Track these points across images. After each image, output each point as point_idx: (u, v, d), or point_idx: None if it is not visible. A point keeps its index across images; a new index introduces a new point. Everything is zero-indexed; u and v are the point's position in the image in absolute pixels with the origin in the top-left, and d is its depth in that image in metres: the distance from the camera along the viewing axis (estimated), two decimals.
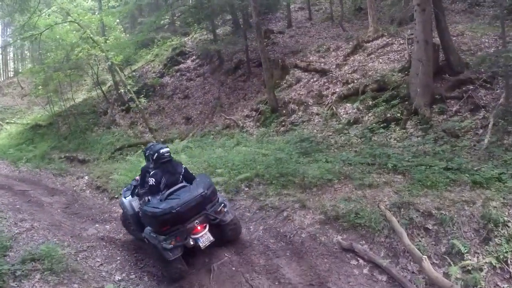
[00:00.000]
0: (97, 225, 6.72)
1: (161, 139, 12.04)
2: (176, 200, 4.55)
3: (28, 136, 16.05)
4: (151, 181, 4.90)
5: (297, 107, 10.53)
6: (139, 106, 11.94)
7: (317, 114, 9.85)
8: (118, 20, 17.11)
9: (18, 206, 7.22)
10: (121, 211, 6.09)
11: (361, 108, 9.07)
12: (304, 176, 6.02)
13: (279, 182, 6.18)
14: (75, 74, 15.93)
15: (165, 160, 5.03)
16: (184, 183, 5.09)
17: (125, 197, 5.66)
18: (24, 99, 22.34)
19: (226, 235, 4.96)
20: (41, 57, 16.57)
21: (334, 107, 9.59)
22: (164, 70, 18.99)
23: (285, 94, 11.52)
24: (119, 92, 15.86)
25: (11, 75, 31.94)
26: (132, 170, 8.83)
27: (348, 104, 9.54)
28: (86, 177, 10.26)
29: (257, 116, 11.39)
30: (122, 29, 17.88)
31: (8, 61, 35.51)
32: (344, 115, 9.25)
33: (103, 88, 17.25)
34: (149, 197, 4.90)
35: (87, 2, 15.50)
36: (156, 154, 5.02)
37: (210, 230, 4.73)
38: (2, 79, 31.07)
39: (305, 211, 5.22)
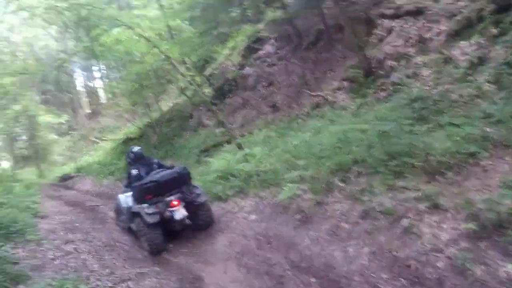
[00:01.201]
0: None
1: (245, 133, 10.82)
2: (157, 175, 5.97)
3: (121, 150, 16.65)
4: (134, 172, 6.41)
5: (395, 63, 8.18)
6: (204, 97, 10.80)
7: (425, 64, 7.33)
8: (186, 22, 16.54)
9: (77, 225, 6.72)
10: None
11: (482, 42, 6.34)
12: (428, 154, 3.91)
13: (389, 169, 4.19)
14: (156, 84, 15.87)
15: (139, 156, 6.66)
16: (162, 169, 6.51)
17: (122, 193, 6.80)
18: (121, 118, 24.09)
19: (199, 219, 5.98)
20: (120, 73, 17.07)
21: (445, 50, 7.00)
22: (243, 61, 17.91)
23: (377, 51, 9.13)
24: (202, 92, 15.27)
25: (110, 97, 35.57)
26: (210, 172, 7.75)
27: (463, 42, 6.83)
28: None
29: (349, 86, 9.37)
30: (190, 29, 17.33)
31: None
32: (461, 58, 6.62)
33: (188, 93, 16.99)
34: (132, 185, 6.25)
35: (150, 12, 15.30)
36: (132, 154, 6.66)
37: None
38: (103, 103, 34.59)
39: (438, 215, 3.14)
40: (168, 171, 6.11)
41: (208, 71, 18.36)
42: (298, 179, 5.10)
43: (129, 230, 6.43)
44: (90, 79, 40.84)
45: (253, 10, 18.48)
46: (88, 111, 37.07)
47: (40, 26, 24.26)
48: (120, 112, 20.19)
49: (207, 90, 14.18)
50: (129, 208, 6.31)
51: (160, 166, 6.61)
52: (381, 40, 9.64)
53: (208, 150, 11.49)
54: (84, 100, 39.27)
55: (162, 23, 14.44)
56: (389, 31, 9.58)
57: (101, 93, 40.65)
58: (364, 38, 10.16)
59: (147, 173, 6.31)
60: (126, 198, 6.56)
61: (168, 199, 5.67)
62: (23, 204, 8.72)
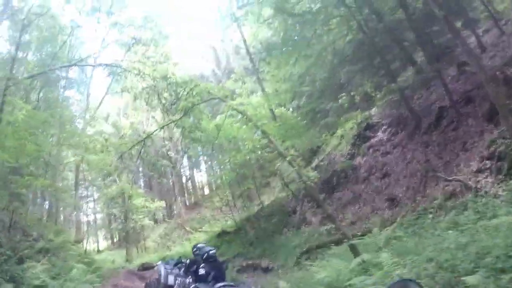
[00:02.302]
0: None
1: (357, 232, 8.62)
2: None
3: (215, 243, 15.36)
4: (202, 271, 5.72)
5: None
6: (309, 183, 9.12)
7: None
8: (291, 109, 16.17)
9: None
10: None
11: None
12: None
13: None
14: (258, 176, 15.09)
15: (212, 260, 5.88)
16: (231, 282, 5.52)
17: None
18: (221, 210, 23.50)
19: None
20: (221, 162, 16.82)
21: None
22: (353, 150, 16.22)
23: None
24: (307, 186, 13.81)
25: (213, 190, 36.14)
26: (313, 285, 5.72)
27: None
28: None
29: (496, 165, 6.95)
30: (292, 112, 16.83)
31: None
32: None
33: (292, 187, 15.70)
34: (197, 285, 5.39)
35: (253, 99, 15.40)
36: (206, 254, 5.92)
37: None
38: (204, 195, 35.19)
39: None
40: None
41: (314, 163, 17.08)
42: None
43: None
44: (195, 169, 43.50)
45: (362, 95, 17.40)
46: (189, 201, 38.35)
47: (145, 110, 26.73)
48: (219, 205, 19.81)
49: (312, 181, 12.78)
50: (165, 284, 6.44)
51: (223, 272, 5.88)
52: None
53: (310, 252, 9.43)
54: (187, 190, 41.11)
55: (266, 110, 14.17)
56: None
57: (204, 186, 42.48)
58: (507, 102, 7.83)
59: (215, 278, 5.60)
60: (166, 274, 6.64)
61: None
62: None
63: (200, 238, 19.14)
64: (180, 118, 9.90)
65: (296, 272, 8.65)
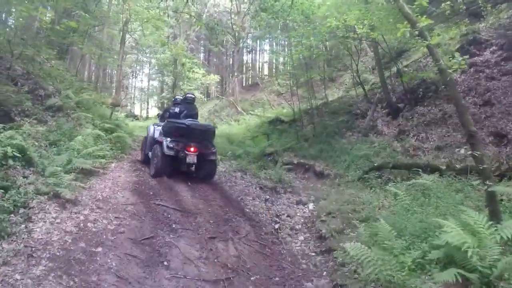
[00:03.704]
0: None
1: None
2: (190, 122, 7.34)
3: (265, 130, 13.88)
4: (175, 109, 8.03)
5: None
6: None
7: None
8: None
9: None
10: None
11: None
12: None
13: None
14: (331, 69, 12.63)
15: (189, 101, 8.13)
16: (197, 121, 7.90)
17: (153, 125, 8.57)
18: (280, 97, 21.53)
19: (203, 169, 7.44)
20: (291, 45, 14.13)
21: None
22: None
23: None
24: (387, 88, 11.37)
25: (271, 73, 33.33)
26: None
27: None
28: (311, 205, 6.21)
29: None
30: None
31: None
32: None
33: (366, 87, 13.23)
34: (168, 120, 7.79)
35: None
36: (184, 96, 8.47)
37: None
38: (264, 78, 32.91)
39: None
40: (200, 123, 7.73)
41: (395, 67, 14.23)
42: None
43: (144, 161, 8.27)
44: (258, 50, 40.66)
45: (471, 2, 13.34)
46: (246, 82, 36.60)
47: None
48: (278, 89, 17.76)
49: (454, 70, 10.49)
50: (153, 137, 7.97)
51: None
52: None
53: (382, 170, 7.59)
54: (246, 69, 39.06)
55: None
56: None
57: (265, 69, 40.03)
58: None
59: (186, 116, 7.64)
60: (154, 130, 8.18)
61: (188, 143, 7.06)
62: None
63: (251, 120, 17.73)
64: None
65: (357, 188, 6.97)
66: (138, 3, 12.83)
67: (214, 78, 25.02)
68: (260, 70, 40.88)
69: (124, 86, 34.54)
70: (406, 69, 14.11)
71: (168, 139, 7.04)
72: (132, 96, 40.86)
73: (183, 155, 6.93)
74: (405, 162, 7.57)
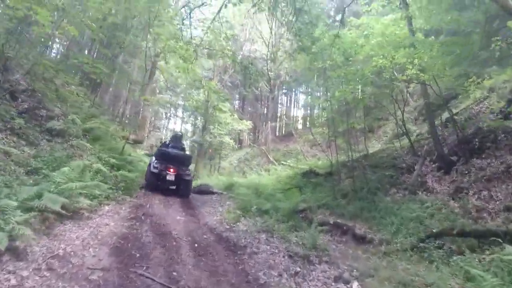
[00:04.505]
0: None
1: None
2: (171, 150, 11.02)
3: (298, 183, 12.56)
4: (166, 141, 12.48)
5: None
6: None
7: None
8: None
9: None
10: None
11: None
12: None
13: None
14: (371, 118, 11.58)
15: (177, 138, 12.62)
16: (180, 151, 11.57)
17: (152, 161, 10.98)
18: (313, 148, 20.37)
19: (180, 188, 10.78)
20: (327, 92, 13.21)
21: None
22: (508, 108, 11.62)
23: None
24: (437, 138, 10.02)
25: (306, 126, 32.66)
26: None
27: None
28: (356, 285, 4.88)
29: None
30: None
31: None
32: None
33: (411, 138, 11.94)
34: (159, 148, 11.67)
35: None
36: (174, 134, 14.00)
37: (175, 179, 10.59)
38: (298, 129, 32.08)
39: None
40: (179, 152, 11.39)
41: (444, 115, 12.90)
42: None
43: (145, 186, 10.77)
44: (292, 101, 40.40)
45: None
46: (279, 132, 35.97)
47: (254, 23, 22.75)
48: (313, 141, 16.68)
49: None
50: (149, 168, 10.91)
51: (182, 149, 12.08)
52: None
53: (442, 237, 6.14)
54: (280, 119, 38.67)
55: (401, 30, 10.32)
56: None
57: (299, 119, 39.52)
58: None
59: (172, 147, 11.67)
60: (152, 164, 10.65)
61: (168, 165, 10.47)
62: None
63: (282, 171, 16.52)
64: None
65: (416, 261, 5.56)
66: (171, 38, 12.62)
67: (247, 124, 23.85)
68: (294, 119, 40.49)
69: (156, 127, 34.74)
70: (456, 117, 12.76)
71: (155, 160, 10.47)
72: (163, 137, 41.59)
73: (164, 173, 10.31)
74: (475, 228, 6.06)
